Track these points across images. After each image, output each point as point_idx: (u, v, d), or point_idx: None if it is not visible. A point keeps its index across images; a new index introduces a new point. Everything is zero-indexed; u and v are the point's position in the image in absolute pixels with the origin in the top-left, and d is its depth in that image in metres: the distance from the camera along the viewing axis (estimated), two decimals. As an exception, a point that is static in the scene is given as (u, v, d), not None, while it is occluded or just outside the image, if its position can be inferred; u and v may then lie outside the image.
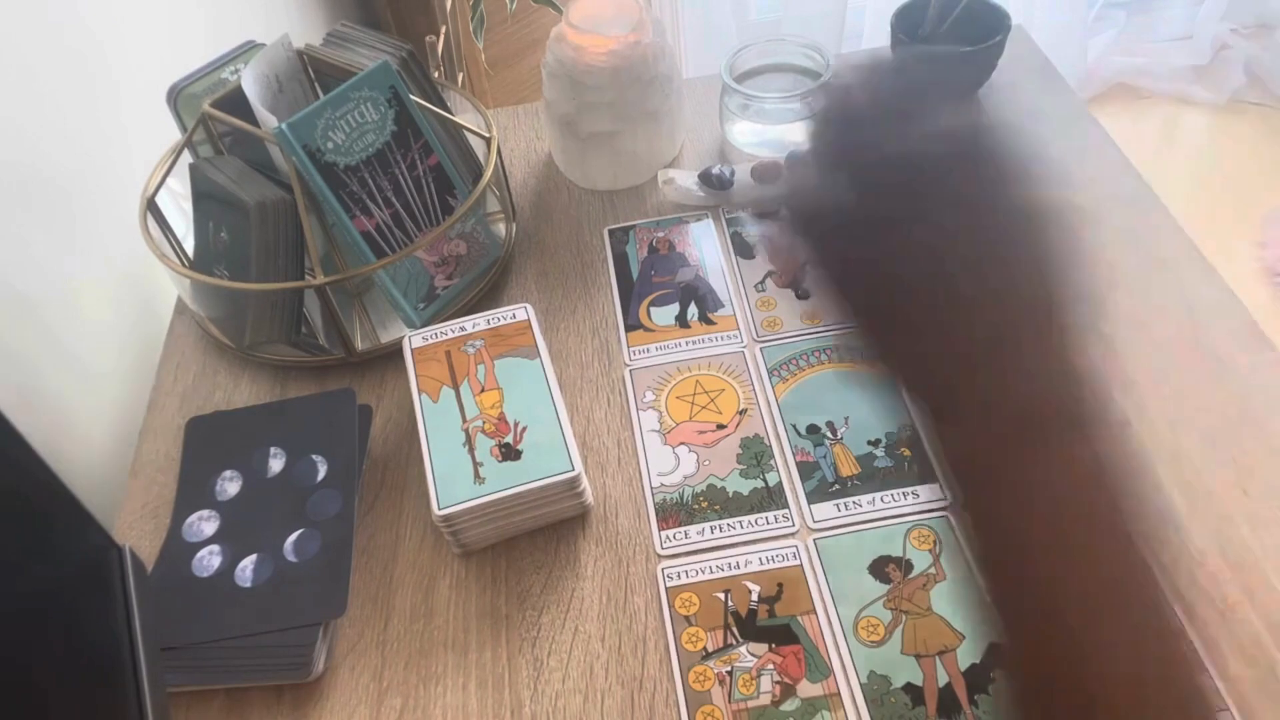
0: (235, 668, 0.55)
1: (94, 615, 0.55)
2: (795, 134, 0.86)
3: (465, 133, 0.78)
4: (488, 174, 0.73)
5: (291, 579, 0.57)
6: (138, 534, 0.64)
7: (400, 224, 0.70)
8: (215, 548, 0.58)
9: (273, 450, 0.63)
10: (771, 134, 0.86)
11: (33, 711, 0.45)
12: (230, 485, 0.61)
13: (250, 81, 0.67)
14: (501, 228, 0.82)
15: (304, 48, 0.72)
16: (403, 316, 0.73)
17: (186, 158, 0.73)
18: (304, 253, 0.69)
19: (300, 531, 0.58)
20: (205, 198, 0.69)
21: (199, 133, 0.72)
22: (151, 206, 0.72)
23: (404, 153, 0.70)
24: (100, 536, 0.58)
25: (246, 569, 0.57)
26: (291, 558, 0.57)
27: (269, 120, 0.65)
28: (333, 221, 0.68)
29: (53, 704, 0.47)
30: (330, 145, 0.66)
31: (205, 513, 0.60)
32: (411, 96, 0.70)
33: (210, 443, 0.64)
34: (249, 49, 0.75)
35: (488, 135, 0.76)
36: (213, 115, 0.69)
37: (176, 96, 0.72)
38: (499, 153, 0.76)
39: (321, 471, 0.62)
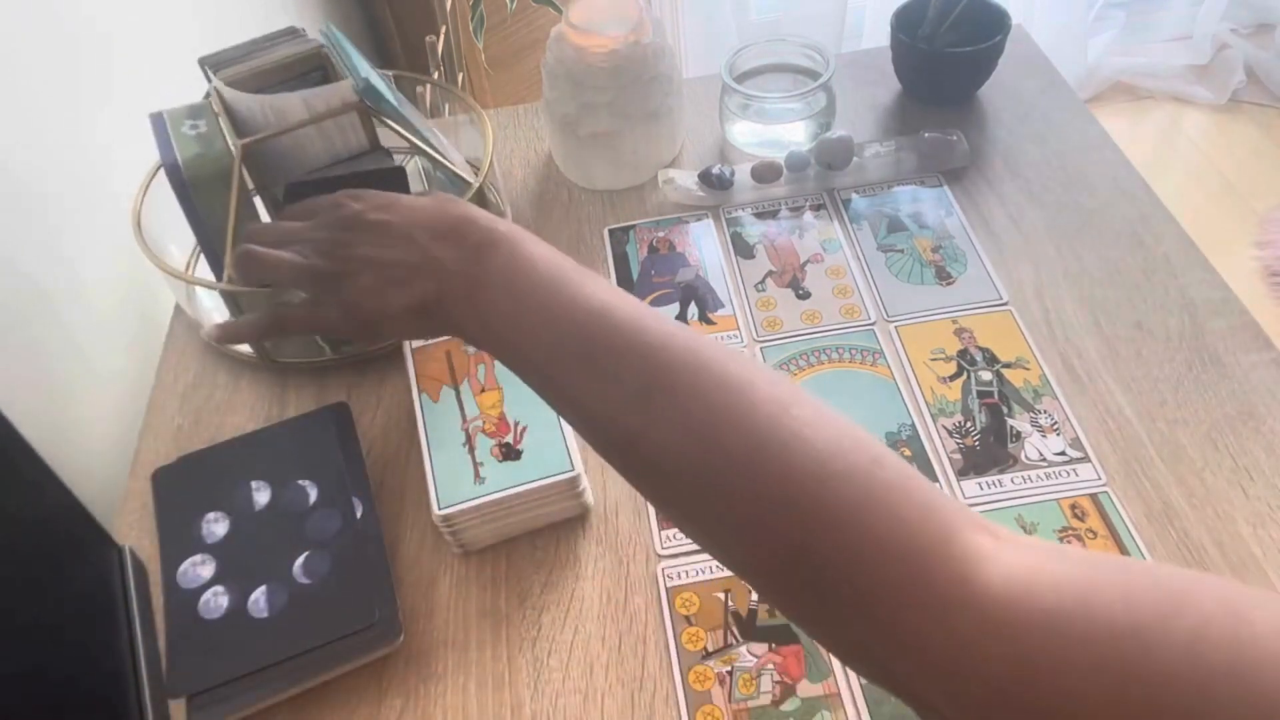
0: (310, 666, 0.55)
1: (94, 614, 0.55)
2: (795, 134, 0.86)
3: (469, 131, 0.78)
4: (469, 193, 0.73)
5: (311, 599, 0.56)
6: (138, 534, 0.64)
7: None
8: (218, 588, 0.57)
9: (254, 484, 0.62)
10: (771, 134, 0.86)
11: (34, 709, 0.45)
12: (217, 526, 0.60)
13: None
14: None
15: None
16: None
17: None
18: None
19: (306, 554, 0.58)
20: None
21: (199, 115, 0.70)
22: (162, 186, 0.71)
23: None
24: (100, 536, 0.58)
25: (259, 600, 0.56)
26: (304, 580, 0.57)
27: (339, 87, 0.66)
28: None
29: (54, 702, 0.47)
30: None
31: (197, 558, 0.58)
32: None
33: (183, 488, 0.63)
34: (290, 37, 0.73)
35: (471, 180, 0.72)
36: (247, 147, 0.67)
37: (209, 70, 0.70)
38: (488, 185, 0.74)
39: (313, 495, 0.61)
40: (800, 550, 0.34)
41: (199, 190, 0.65)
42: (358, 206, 0.50)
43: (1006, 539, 0.34)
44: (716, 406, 0.37)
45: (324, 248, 0.50)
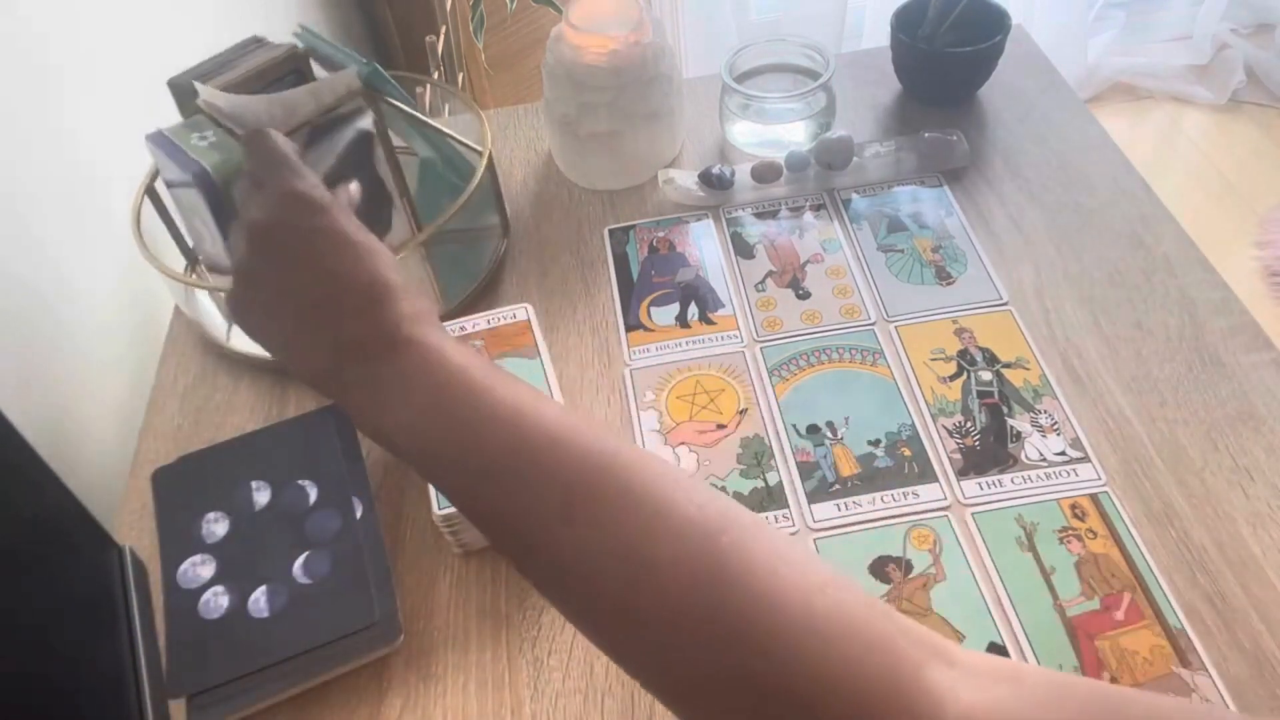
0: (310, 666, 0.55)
1: (94, 614, 0.55)
2: (795, 134, 0.86)
3: (469, 131, 0.78)
4: (474, 183, 0.73)
5: (311, 599, 0.56)
6: (138, 534, 0.64)
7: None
8: (218, 588, 0.57)
9: (255, 484, 0.62)
10: (771, 134, 0.86)
11: (34, 709, 0.45)
12: (217, 526, 0.60)
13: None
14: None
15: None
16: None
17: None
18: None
19: (306, 555, 0.58)
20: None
21: (201, 128, 0.71)
22: (151, 193, 0.72)
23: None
24: (100, 536, 0.58)
25: (259, 600, 0.56)
26: (304, 580, 0.57)
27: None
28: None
29: (54, 702, 0.47)
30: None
31: (198, 558, 0.58)
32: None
33: (183, 488, 0.63)
34: (256, 46, 0.74)
35: (481, 149, 0.74)
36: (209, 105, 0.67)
37: (180, 88, 0.71)
38: (491, 167, 0.75)
39: (313, 495, 0.61)
40: (742, 681, 0.33)
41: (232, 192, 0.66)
42: (266, 218, 0.41)
43: (961, 665, 0.33)
44: (640, 532, 0.35)
45: (250, 242, 0.42)
